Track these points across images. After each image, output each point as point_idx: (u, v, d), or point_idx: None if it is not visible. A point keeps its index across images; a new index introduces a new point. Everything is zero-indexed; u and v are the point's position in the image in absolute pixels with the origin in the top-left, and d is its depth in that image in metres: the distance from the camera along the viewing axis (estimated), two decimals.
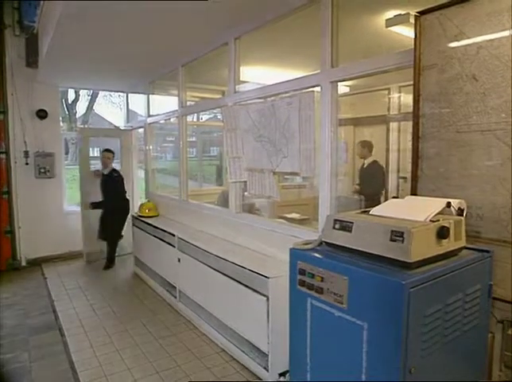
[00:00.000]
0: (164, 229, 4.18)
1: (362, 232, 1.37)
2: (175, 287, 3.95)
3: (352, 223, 1.41)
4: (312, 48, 2.94)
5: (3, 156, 5.27)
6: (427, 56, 1.98)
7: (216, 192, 5.38)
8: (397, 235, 1.25)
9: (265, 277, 2.54)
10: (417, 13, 1.99)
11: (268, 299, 2.53)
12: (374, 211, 1.52)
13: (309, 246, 1.55)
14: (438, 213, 1.42)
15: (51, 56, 4.21)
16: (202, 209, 4.21)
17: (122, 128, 6.96)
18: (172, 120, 5.12)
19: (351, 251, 1.41)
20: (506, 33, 1.65)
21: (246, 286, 2.74)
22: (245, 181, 3.30)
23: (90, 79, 5.71)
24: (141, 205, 5.17)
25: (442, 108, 1.93)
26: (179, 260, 3.80)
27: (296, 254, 1.55)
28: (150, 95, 5.72)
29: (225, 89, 5.24)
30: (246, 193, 3.56)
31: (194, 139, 7.44)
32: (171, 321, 3.68)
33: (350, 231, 1.41)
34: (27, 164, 5.45)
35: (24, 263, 5.50)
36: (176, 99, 4.77)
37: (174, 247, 3.91)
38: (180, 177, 4.64)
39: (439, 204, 1.48)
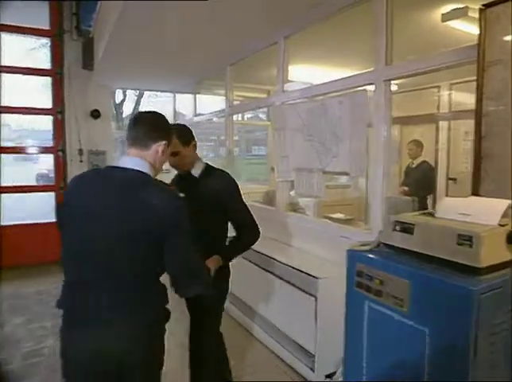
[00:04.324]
0: None
1: (425, 235, 1.33)
2: None
3: (414, 225, 1.37)
4: (362, 46, 2.88)
5: (61, 154, 5.59)
6: (491, 52, 1.88)
7: (260, 190, 5.40)
8: (464, 239, 1.20)
9: (315, 277, 2.52)
10: (482, 5, 1.89)
11: (316, 299, 2.51)
12: (438, 212, 1.46)
13: (367, 247, 1.53)
14: (502, 216, 1.35)
15: (105, 59, 4.41)
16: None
17: None
18: (214, 119, 5.19)
19: (411, 253, 1.37)
20: None
21: (294, 286, 2.73)
22: (292, 181, 3.29)
23: (140, 80, 5.93)
24: None
25: (507, 106, 1.83)
26: None
27: (353, 255, 1.52)
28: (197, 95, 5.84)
29: (270, 88, 5.27)
30: (291, 193, 3.56)
31: (237, 138, 7.53)
32: None
33: (411, 233, 1.37)
34: (81, 161, 5.71)
35: None
36: (220, 98, 4.83)
37: None
38: None
39: (503, 205, 1.40)
